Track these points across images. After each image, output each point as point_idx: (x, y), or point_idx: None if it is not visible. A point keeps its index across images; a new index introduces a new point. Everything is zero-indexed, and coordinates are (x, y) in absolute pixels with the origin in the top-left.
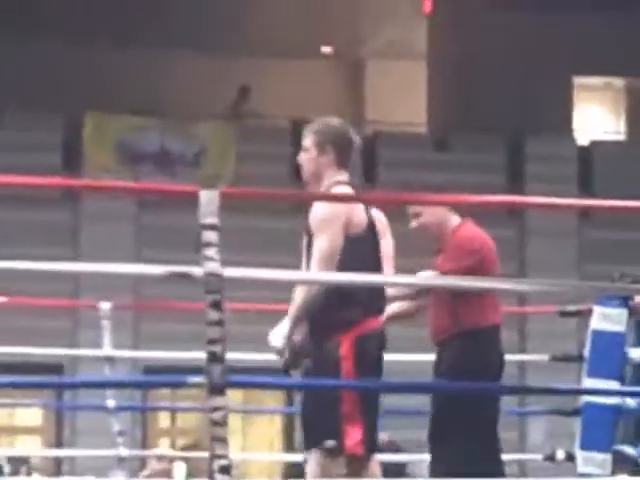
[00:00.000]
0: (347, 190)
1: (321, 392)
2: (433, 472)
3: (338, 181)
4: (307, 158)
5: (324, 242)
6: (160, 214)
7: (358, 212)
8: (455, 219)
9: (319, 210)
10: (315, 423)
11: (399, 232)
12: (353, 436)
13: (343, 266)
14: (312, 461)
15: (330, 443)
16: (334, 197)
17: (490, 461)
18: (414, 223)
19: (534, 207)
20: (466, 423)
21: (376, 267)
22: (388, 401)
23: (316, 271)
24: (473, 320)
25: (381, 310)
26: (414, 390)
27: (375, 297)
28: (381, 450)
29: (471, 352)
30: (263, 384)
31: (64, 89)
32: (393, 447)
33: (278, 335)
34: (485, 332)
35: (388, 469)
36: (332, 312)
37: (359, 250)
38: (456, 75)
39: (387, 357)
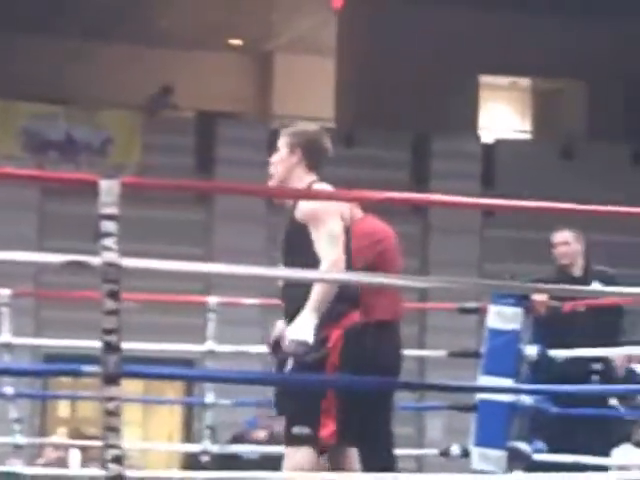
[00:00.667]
0: (327, 187)
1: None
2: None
3: (313, 181)
4: (278, 158)
5: (329, 229)
6: (64, 203)
7: (344, 207)
8: (357, 213)
9: (311, 204)
10: (293, 412)
11: None
12: (328, 427)
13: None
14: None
15: (305, 431)
16: (239, 189)
17: (383, 456)
18: None
19: (437, 205)
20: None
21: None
22: None
23: (331, 261)
24: (369, 314)
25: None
26: (311, 383)
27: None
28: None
29: (365, 346)
30: (159, 375)
31: None
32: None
33: (305, 330)
34: (381, 326)
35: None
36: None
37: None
38: (364, 71)
39: None
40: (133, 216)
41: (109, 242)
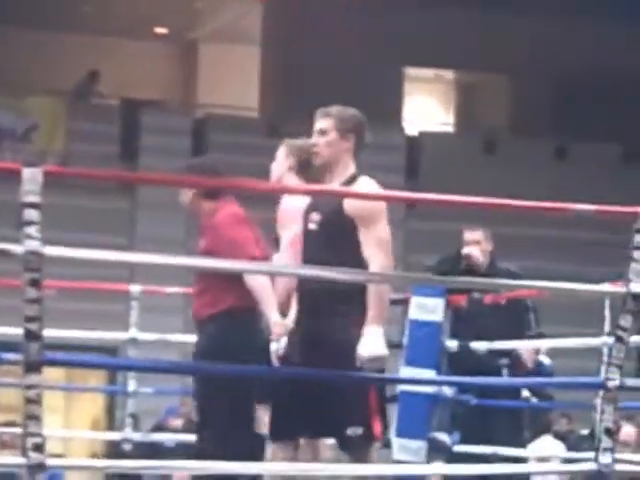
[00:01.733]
0: (374, 185)
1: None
2: (198, 453)
3: (357, 172)
4: (326, 141)
5: (382, 232)
6: None
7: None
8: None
9: (368, 203)
10: (343, 408)
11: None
12: (377, 425)
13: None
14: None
15: (359, 431)
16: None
17: (246, 442)
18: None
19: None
20: (226, 404)
21: None
22: None
23: (381, 261)
24: (233, 301)
25: None
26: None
27: None
28: None
29: (228, 333)
30: (81, 362)
31: None
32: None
33: (377, 344)
34: (246, 314)
35: None
36: (355, 306)
37: None
38: (288, 61)
39: None
40: (56, 204)
41: (31, 230)
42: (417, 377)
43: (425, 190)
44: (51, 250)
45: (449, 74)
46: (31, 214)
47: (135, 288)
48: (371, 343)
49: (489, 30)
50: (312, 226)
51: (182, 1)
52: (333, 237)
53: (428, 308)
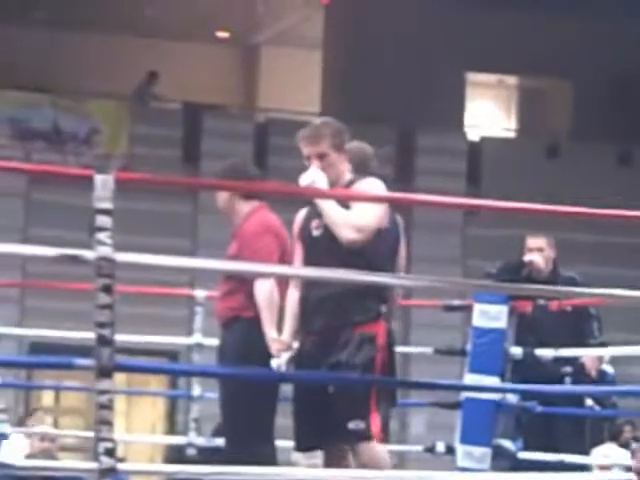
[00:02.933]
0: (375, 181)
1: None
2: (224, 453)
3: (355, 177)
4: (328, 163)
5: (362, 208)
6: (50, 191)
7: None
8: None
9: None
10: (346, 403)
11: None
12: (376, 423)
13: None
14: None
15: (361, 425)
16: (225, 186)
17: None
18: None
19: (421, 204)
20: (249, 407)
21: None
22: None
23: (358, 223)
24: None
25: None
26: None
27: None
28: None
29: (253, 337)
30: (153, 369)
31: None
32: None
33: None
34: None
35: None
36: (370, 302)
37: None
38: (350, 65)
39: None
40: (119, 208)
41: (103, 236)
42: (481, 384)
43: (486, 196)
44: (123, 256)
45: (511, 79)
46: (103, 220)
47: (200, 293)
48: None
49: (552, 34)
50: (316, 233)
51: (244, 5)
52: (336, 240)
53: (491, 315)
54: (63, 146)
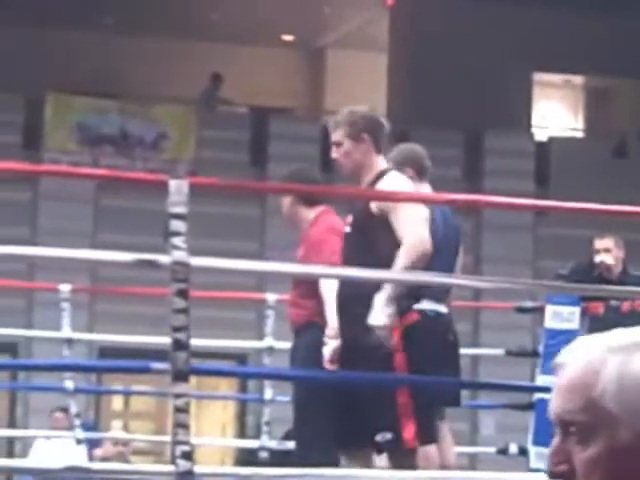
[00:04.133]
0: (400, 176)
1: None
2: (294, 456)
3: (386, 168)
4: (343, 152)
5: (408, 211)
6: (118, 196)
7: None
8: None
9: (389, 188)
10: (370, 416)
11: None
12: (409, 429)
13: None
14: (363, 457)
15: (387, 436)
16: (292, 189)
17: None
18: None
19: (491, 206)
20: (317, 411)
21: None
22: None
23: (411, 238)
24: None
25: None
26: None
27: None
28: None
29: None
30: (226, 372)
31: (26, 70)
32: None
33: (381, 315)
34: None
35: None
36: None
37: None
38: (417, 68)
39: None
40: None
41: (178, 241)
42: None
43: (555, 196)
44: (198, 260)
45: (578, 79)
46: (177, 225)
47: (271, 296)
48: (376, 313)
49: (619, 34)
50: (347, 229)
51: (309, 8)
52: (364, 236)
53: (563, 316)
54: (131, 151)
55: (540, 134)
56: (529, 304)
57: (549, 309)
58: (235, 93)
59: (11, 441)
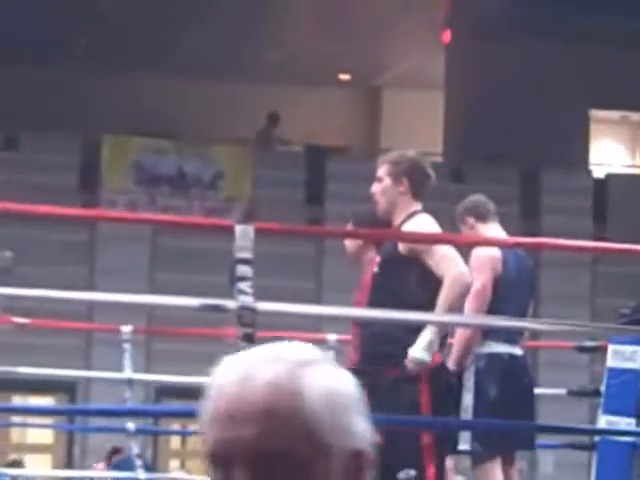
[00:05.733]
0: (428, 218)
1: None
2: None
3: (416, 210)
4: (381, 188)
5: (441, 250)
6: (174, 236)
7: None
8: None
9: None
10: (393, 452)
11: None
12: (430, 469)
13: None
14: None
15: (411, 473)
16: (393, 234)
17: None
18: None
19: (553, 248)
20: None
21: None
22: None
23: (452, 273)
24: None
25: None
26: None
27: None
28: None
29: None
30: None
31: (82, 111)
32: None
33: (423, 350)
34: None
35: None
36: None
37: None
38: (473, 105)
39: None
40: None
41: (244, 285)
42: (617, 427)
43: (612, 233)
44: (264, 305)
45: (636, 115)
46: (244, 270)
47: (331, 337)
48: (418, 347)
49: None
50: (375, 269)
51: (365, 48)
52: (392, 277)
53: (626, 355)
54: (187, 191)
55: (598, 171)
56: (590, 343)
57: (611, 348)
58: (292, 133)
59: None
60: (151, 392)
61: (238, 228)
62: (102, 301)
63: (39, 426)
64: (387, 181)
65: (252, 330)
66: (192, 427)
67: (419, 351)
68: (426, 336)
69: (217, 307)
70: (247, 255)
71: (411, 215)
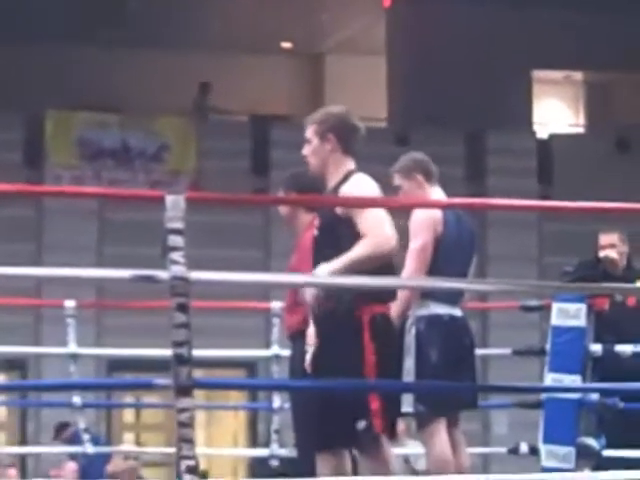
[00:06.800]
0: (365, 178)
1: (341, 359)
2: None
3: (351, 170)
4: (311, 149)
5: (371, 214)
6: (121, 209)
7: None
8: None
9: (354, 191)
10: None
11: None
12: (379, 418)
13: None
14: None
15: (362, 424)
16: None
17: None
18: None
19: (496, 208)
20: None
21: None
22: None
23: (375, 238)
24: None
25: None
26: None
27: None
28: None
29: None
30: (228, 384)
31: (25, 87)
32: None
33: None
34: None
35: None
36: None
37: None
38: (416, 70)
39: None
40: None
41: (176, 255)
42: (562, 384)
43: (558, 192)
44: (197, 274)
45: (578, 75)
46: (176, 240)
47: (276, 304)
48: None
49: (615, 29)
50: (315, 232)
51: (306, 15)
52: (330, 239)
53: (570, 314)
54: (132, 164)
55: (541, 131)
56: (534, 303)
57: (555, 307)
58: (235, 102)
59: (23, 458)
60: (102, 367)
61: (168, 198)
62: (32, 275)
63: None
64: (315, 141)
65: (186, 300)
66: (145, 400)
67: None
68: (324, 269)
69: (149, 278)
70: (178, 225)
71: (346, 176)
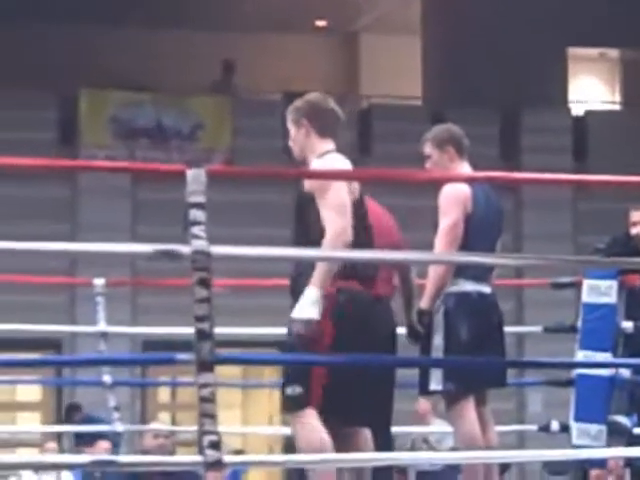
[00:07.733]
0: (338, 158)
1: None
2: None
3: (326, 151)
4: (291, 138)
5: (332, 197)
6: (155, 189)
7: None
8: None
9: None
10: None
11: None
12: (317, 391)
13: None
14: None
15: (297, 390)
16: (327, 174)
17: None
18: None
19: (529, 182)
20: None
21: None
22: None
23: (333, 226)
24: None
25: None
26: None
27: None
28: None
29: (358, 314)
30: (250, 360)
31: (59, 67)
32: None
33: (309, 308)
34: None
35: None
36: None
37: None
38: (451, 48)
39: None
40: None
41: (198, 230)
42: (593, 360)
43: (593, 170)
44: (218, 249)
45: (614, 52)
46: (197, 214)
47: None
48: (303, 306)
49: None
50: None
51: None
52: (300, 216)
53: (601, 290)
54: (166, 143)
55: (577, 109)
56: (565, 280)
57: (586, 284)
58: (268, 81)
59: (59, 435)
60: (137, 347)
61: (189, 172)
62: (64, 252)
63: (23, 382)
64: (292, 129)
65: (207, 275)
66: (180, 379)
67: (304, 310)
68: (310, 294)
69: (170, 253)
70: (199, 199)
71: (321, 156)
